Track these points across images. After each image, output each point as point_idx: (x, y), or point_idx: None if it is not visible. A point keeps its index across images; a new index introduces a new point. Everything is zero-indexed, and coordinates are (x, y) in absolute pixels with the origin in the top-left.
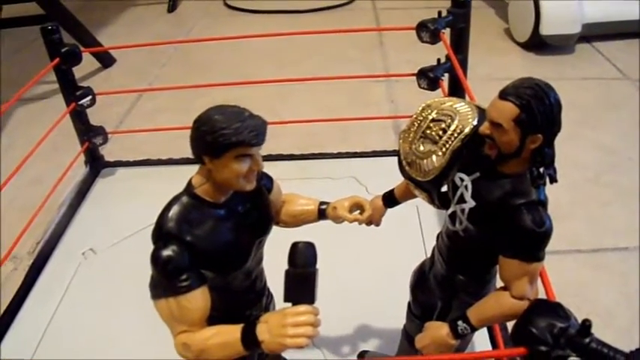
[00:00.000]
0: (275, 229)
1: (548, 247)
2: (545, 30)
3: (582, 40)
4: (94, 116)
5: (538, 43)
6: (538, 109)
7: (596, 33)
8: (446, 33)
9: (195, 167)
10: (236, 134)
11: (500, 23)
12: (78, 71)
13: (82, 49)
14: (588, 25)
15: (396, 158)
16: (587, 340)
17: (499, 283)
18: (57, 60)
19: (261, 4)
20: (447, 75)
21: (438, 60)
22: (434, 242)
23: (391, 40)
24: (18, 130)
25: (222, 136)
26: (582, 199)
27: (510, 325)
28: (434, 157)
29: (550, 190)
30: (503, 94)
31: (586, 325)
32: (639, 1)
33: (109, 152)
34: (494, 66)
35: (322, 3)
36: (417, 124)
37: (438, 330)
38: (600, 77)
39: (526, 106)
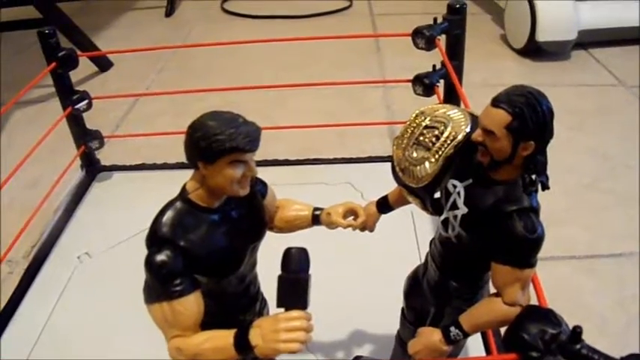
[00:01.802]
0: (269, 235)
1: (543, 253)
2: (541, 36)
3: (578, 47)
4: (91, 120)
5: (534, 50)
6: (530, 116)
7: (592, 39)
8: (441, 39)
9: (191, 172)
10: (230, 140)
11: (497, 29)
12: (75, 75)
13: (78, 53)
14: (584, 32)
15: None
16: (577, 346)
17: (492, 289)
18: (54, 64)
19: (258, 9)
20: (442, 81)
21: (434, 66)
22: (427, 248)
23: (388, 45)
24: (15, 133)
25: (217, 142)
26: (578, 205)
27: (503, 330)
28: (427, 164)
29: (545, 195)
30: (496, 102)
31: (577, 331)
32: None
33: (105, 156)
34: (490, 72)
35: (319, 8)
36: (410, 131)
37: (430, 336)
38: (596, 84)
39: (518, 114)
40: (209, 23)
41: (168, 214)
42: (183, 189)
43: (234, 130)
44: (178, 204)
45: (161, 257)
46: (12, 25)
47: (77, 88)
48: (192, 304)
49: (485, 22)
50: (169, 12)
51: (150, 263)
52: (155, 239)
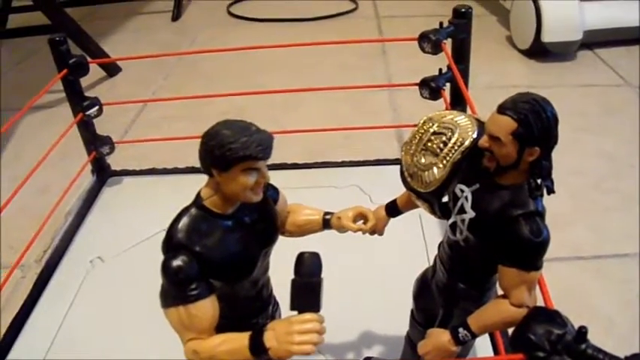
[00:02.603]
0: (280, 239)
1: (550, 254)
2: (547, 37)
3: (584, 47)
4: (100, 125)
5: (540, 51)
6: (535, 123)
7: (598, 40)
8: (447, 43)
9: (201, 176)
10: (243, 148)
11: (502, 31)
12: (83, 80)
13: (89, 59)
14: (590, 32)
15: (398, 167)
16: (583, 346)
17: (499, 291)
18: (65, 71)
19: (264, 12)
20: (448, 84)
21: (440, 70)
22: (436, 251)
23: (393, 48)
24: (25, 139)
25: (230, 150)
26: (583, 206)
27: (511, 331)
28: (435, 169)
29: (551, 197)
30: (502, 109)
31: (582, 331)
32: None
33: (115, 161)
34: (496, 73)
35: (325, 11)
36: (418, 137)
37: (439, 337)
38: (601, 84)
39: (524, 121)
40: (215, 27)
41: (184, 221)
42: (198, 196)
43: (248, 138)
44: (193, 210)
45: (177, 262)
46: (20, 31)
47: (86, 94)
48: (207, 308)
49: (491, 23)
50: (176, 16)
51: (166, 268)
52: (171, 245)
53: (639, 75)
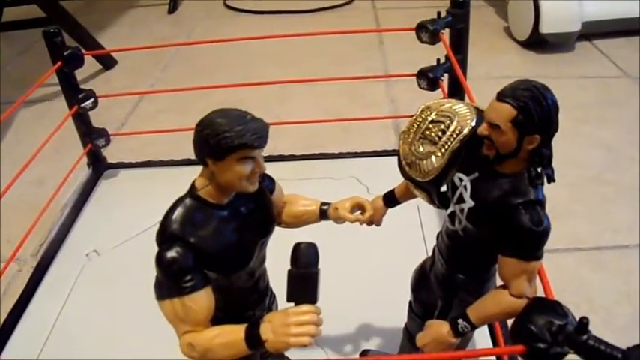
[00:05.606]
0: (277, 230)
1: (549, 245)
2: (545, 28)
3: (582, 39)
4: (96, 118)
5: (538, 42)
6: (535, 110)
7: (596, 31)
8: (445, 33)
9: (197, 168)
10: (239, 137)
11: (500, 22)
12: (79, 73)
13: (84, 52)
14: (588, 23)
15: (396, 158)
16: (584, 337)
17: (499, 282)
18: (59, 63)
19: (260, 5)
20: (446, 75)
21: (438, 60)
22: (434, 241)
23: (391, 39)
24: (21, 132)
25: (225, 139)
26: (582, 197)
27: (510, 322)
28: (433, 158)
29: (550, 188)
30: (501, 96)
31: (583, 322)
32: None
33: (110, 154)
34: (494, 65)
35: (322, 3)
36: (416, 126)
37: (438, 328)
38: (600, 75)
39: (523, 108)
40: (212, 19)
41: (178, 211)
42: (193, 186)
43: (243, 127)
44: (188, 201)
45: (171, 254)
46: (16, 24)
47: (82, 87)
48: (203, 300)
49: (489, 14)
50: (172, 9)
51: (160, 260)
52: (165, 236)
53: (638, 66)
